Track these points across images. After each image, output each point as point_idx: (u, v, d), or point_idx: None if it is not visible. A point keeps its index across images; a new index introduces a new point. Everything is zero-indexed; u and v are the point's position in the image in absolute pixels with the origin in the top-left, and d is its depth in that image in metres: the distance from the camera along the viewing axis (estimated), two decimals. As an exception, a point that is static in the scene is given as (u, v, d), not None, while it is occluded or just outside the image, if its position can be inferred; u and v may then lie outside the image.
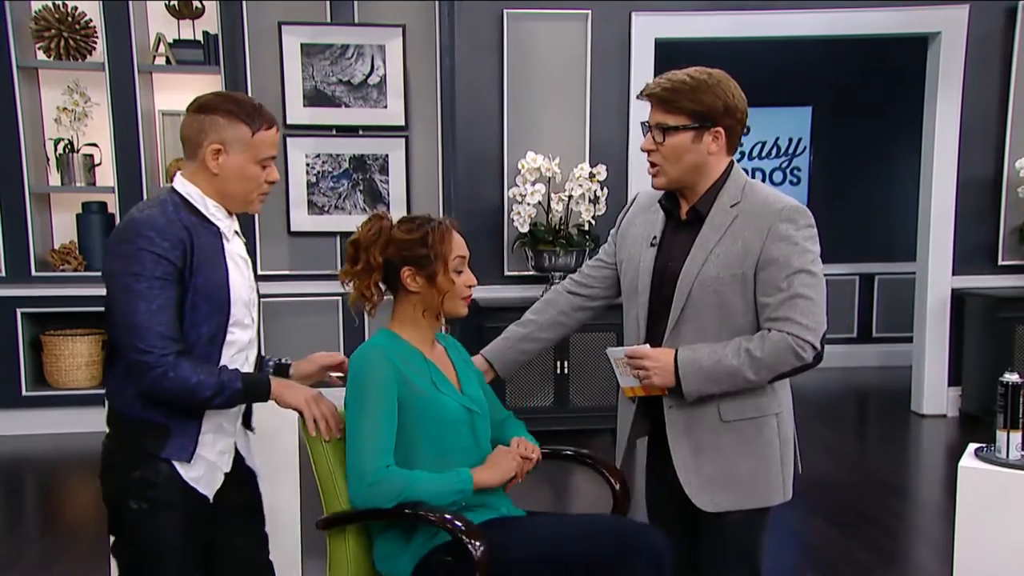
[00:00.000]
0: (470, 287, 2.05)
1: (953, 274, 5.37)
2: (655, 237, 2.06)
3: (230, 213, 1.97)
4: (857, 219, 6.87)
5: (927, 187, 5.37)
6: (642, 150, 2.00)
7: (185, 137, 1.93)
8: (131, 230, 1.79)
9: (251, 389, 1.89)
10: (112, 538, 1.95)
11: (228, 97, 1.94)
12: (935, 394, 5.46)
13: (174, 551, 1.88)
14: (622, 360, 2.03)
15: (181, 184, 1.92)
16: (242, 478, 2.04)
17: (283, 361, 2.20)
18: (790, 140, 6.84)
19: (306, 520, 2.81)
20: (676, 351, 1.94)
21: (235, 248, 1.97)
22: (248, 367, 1.99)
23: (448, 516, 1.83)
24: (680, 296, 1.97)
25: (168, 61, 5.00)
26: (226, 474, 1.98)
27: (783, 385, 2.06)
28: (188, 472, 1.88)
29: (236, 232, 2.00)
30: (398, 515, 1.88)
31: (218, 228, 1.92)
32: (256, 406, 2.08)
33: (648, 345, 2.00)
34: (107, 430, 1.94)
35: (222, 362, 1.90)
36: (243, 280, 1.95)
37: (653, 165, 2.00)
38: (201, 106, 1.91)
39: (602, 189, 4.90)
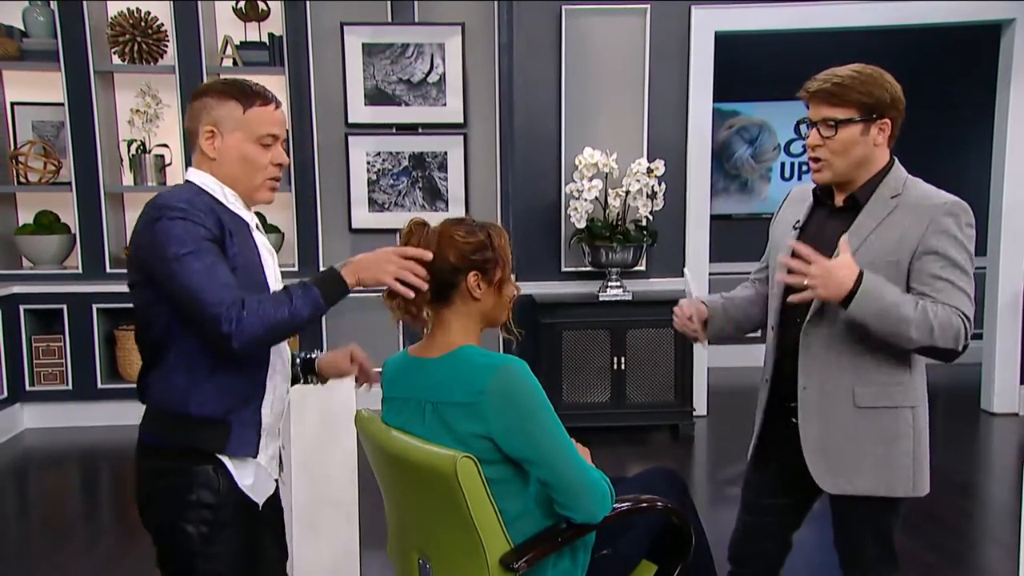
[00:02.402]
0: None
1: (1026, 269, 5.21)
2: (798, 221, 2.12)
3: (248, 207, 1.87)
4: (925, 213, 6.66)
5: (999, 180, 5.21)
6: (808, 147, 2.03)
7: (186, 130, 1.84)
8: (158, 210, 1.69)
9: (328, 289, 1.72)
10: (161, 570, 1.82)
11: (223, 79, 1.85)
12: (1006, 392, 5.31)
13: (235, 571, 1.78)
14: None
15: (195, 175, 1.82)
16: (275, 488, 1.96)
17: (311, 356, 2.10)
18: (855, 132, 6.69)
19: (363, 524, 2.88)
20: (862, 271, 1.88)
21: (261, 239, 1.88)
22: (284, 363, 1.90)
23: (640, 497, 1.91)
24: None
25: (235, 63, 5.13)
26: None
27: (922, 381, 2.06)
28: (243, 480, 1.78)
29: (258, 226, 1.90)
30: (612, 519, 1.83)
31: (241, 217, 1.83)
32: (306, 412, 2.07)
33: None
34: (143, 447, 1.80)
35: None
36: (272, 270, 1.88)
37: (816, 160, 2.02)
38: (195, 93, 1.83)
39: (660, 184, 4.88)
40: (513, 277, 1.96)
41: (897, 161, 2.07)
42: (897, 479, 2.02)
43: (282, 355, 1.88)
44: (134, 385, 1.84)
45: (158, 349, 1.75)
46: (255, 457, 1.79)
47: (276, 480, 1.91)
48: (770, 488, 2.23)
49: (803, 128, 2.05)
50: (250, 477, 1.80)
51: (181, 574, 1.77)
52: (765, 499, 2.24)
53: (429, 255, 1.76)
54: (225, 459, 1.76)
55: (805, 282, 1.88)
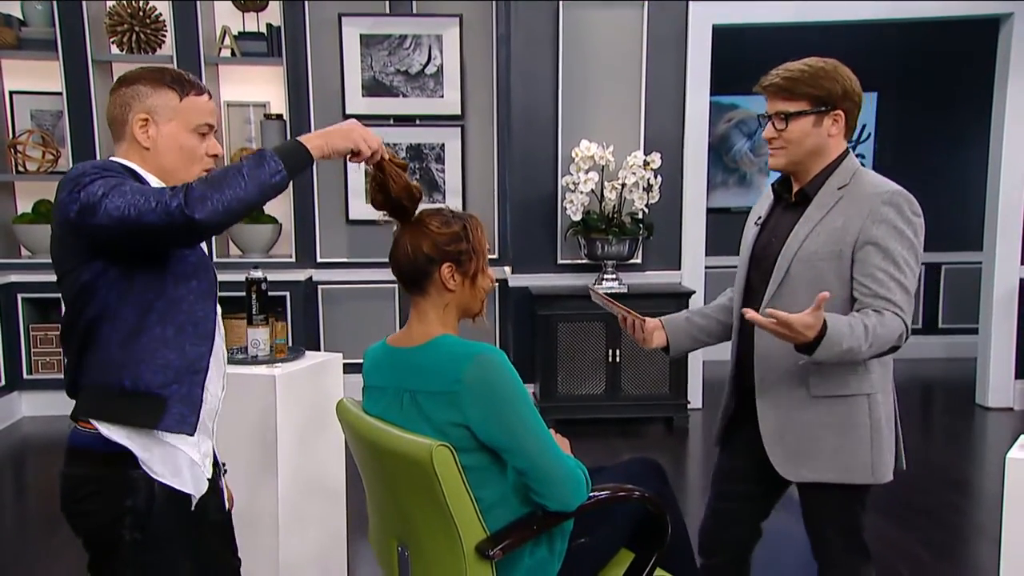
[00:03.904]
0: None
1: (1022, 263, 5.21)
2: (760, 217, 2.20)
3: None
4: (923, 207, 6.63)
5: (995, 174, 5.21)
6: (764, 139, 2.08)
7: (111, 118, 1.75)
8: (69, 183, 1.59)
9: (287, 154, 1.61)
10: None
11: (151, 67, 1.77)
12: (1001, 387, 5.31)
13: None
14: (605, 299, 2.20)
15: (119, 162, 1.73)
16: (216, 491, 1.88)
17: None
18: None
19: (351, 511, 2.89)
20: (825, 321, 1.84)
21: None
22: (219, 363, 1.81)
23: (617, 486, 1.93)
24: (779, 270, 2.05)
25: (233, 53, 5.13)
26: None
27: (882, 370, 2.08)
28: (175, 476, 1.69)
29: None
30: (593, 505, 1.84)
31: None
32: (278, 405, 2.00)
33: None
34: (72, 452, 1.69)
35: (218, 334, 1.76)
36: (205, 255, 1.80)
37: (773, 148, 2.07)
38: (122, 80, 1.75)
39: (656, 177, 4.88)
40: (508, 269, 1.95)
41: (851, 153, 2.10)
42: (855, 466, 2.05)
43: (217, 355, 1.80)
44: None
45: (92, 327, 1.66)
46: (192, 435, 1.71)
47: (212, 480, 1.82)
48: (740, 475, 2.25)
49: (761, 120, 2.11)
50: (182, 473, 1.71)
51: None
52: (735, 486, 2.26)
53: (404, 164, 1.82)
54: (152, 463, 1.67)
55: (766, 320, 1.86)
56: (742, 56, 6.27)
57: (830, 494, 2.09)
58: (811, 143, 2.03)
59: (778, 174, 2.18)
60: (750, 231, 2.22)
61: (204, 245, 1.79)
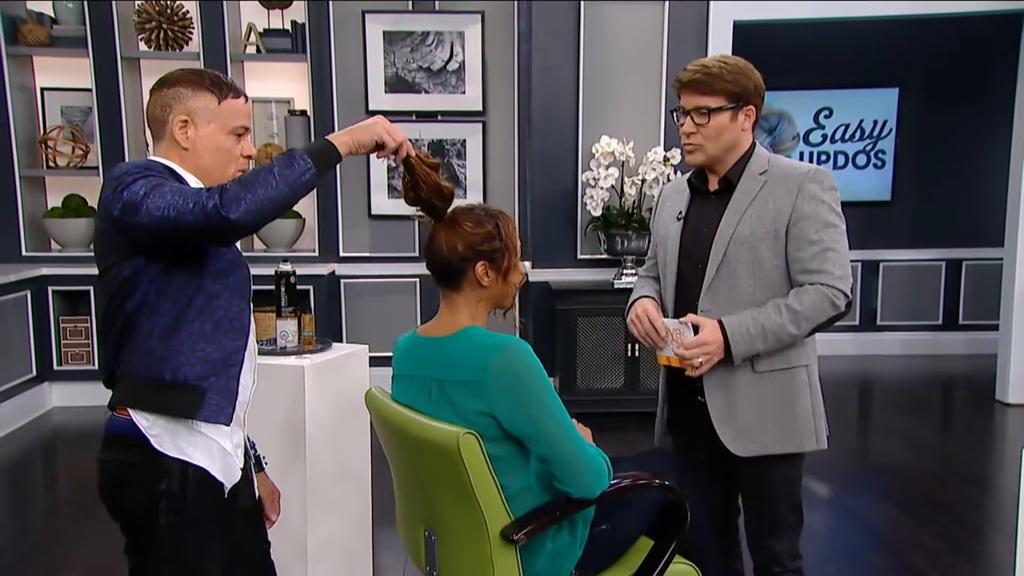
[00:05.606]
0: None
1: (1043, 260, 5.19)
2: (680, 212, 2.25)
3: None
4: (944, 204, 6.66)
5: (1018, 170, 5.19)
6: (682, 134, 2.16)
7: (151, 118, 1.81)
8: (113, 182, 1.65)
9: (315, 152, 1.67)
10: (132, 561, 1.77)
11: (191, 69, 1.84)
12: (1022, 383, 5.30)
13: (210, 560, 1.76)
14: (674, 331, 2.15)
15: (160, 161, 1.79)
16: (248, 480, 1.92)
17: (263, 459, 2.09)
18: (875, 122, 6.66)
19: (376, 499, 2.95)
20: (720, 321, 2.06)
21: None
22: (251, 355, 1.85)
23: (638, 474, 1.97)
24: (716, 255, 2.13)
25: (258, 50, 5.21)
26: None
27: (811, 340, 2.19)
28: (212, 466, 1.74)
29: None
30: (613, 494, 1.89)
31: None
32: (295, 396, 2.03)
33: (678, 323, 2.13)
34: (109, 441, 1.76)
35: (251, 328, 1.82)
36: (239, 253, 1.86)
37: (690, 145, 2.15)
38: (163, 82, 1.81)
39: (676, 173, 4.91)
40: (529, 264, 1.98)
41: (758, 143, 2.20)
42: (802, 435, 2.17)
43: (250, 349, 1.84)
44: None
45: (132, 320, 1.71)
46: (228, 424, 1.76)
47: (243, 469, 1.86)
48: (697, 464, 2.30)
49: (676, 116, 2.18)
50: (217, 463, 1.76)
51: (151, 563, 1.74)
52: (696, 475, 2.29)
53: (436, 163, 1.89)
54: (189, 449, 1.72)
55: (698, 370, 2.09)
56: (763, 53, 6.26)
57: (777, 468, 2.18)
58: (728, 137, 2.13)
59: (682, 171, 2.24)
60: (672, 226, 2.26)
61: (237, 242, 1.84)
